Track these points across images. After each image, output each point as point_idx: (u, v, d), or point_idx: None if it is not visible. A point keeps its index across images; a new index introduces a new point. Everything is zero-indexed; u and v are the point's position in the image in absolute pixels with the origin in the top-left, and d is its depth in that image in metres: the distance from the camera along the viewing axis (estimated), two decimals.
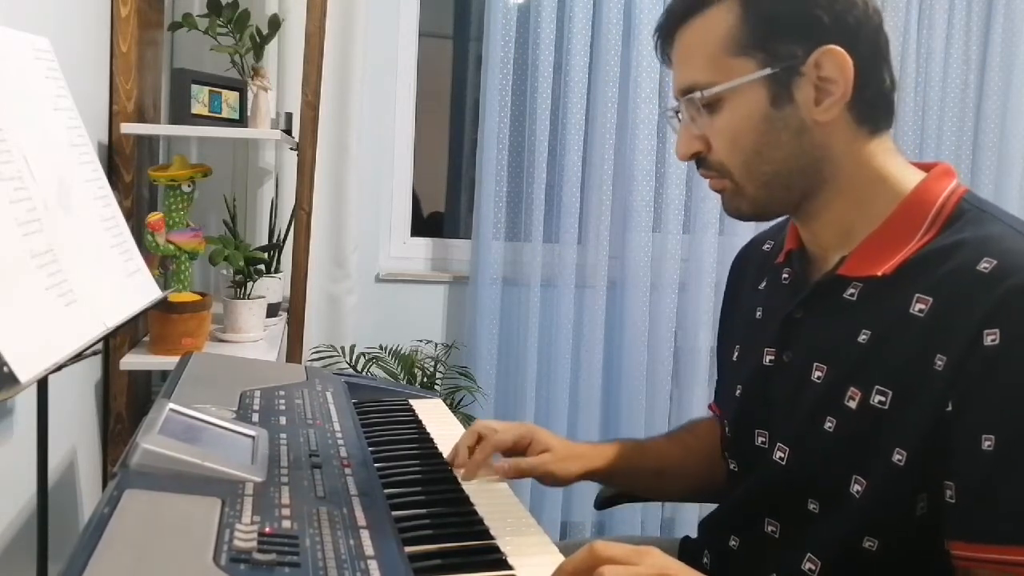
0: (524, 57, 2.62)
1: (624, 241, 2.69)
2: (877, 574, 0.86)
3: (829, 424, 0.89)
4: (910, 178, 0.92)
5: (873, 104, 0.92)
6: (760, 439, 0.99)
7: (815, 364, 0.92)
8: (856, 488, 0.86)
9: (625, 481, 1.25)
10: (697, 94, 0.90)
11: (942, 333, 0.81)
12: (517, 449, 1.14)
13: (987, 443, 0.77)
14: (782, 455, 0.95)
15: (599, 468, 1.16)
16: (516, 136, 2.65)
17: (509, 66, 2.60)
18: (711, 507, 1.11)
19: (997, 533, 0.76)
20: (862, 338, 0.88)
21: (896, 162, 0.94)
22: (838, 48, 0.87)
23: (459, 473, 1.05)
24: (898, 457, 0.83)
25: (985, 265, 0.80)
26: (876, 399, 0.85)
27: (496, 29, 2.57)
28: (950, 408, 0.79)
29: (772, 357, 0.98)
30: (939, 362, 0.81)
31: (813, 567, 0.90)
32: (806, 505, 0.92)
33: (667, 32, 0.96)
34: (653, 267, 2.71)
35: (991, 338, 0.77)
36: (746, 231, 2.68)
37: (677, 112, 0.97)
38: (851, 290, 0.91)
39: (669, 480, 1.23)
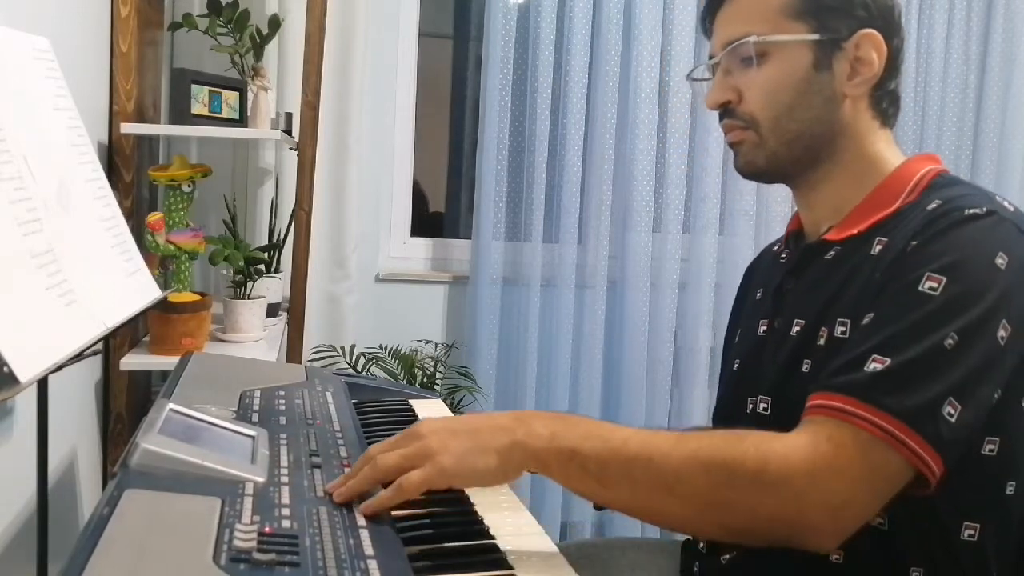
0: (524, 57, 2.62)
1: (624, 241, 2.69)
2: None
3: (806, 366, 0.95)
4: (898, 162, 1.02)
5: (887, 98, 1.01)
6: (750, 405, 1.03)
7: (795, 321, 0.98)
8: None
9: None
10: (752, 37, 0.97)
11: (885, 257, 0.91)
12: None
13: (866, 319, 0.86)
14: (765, 406, 1.00)
15: None
16: (516, 136, 2.65)
17: (509, 66, 2.60)
18: None
19: (826, 383, 0.84)
20: (833, 287, 0.95)
21: (892, 152, 1.03)
22: (877, 34, 0.97)
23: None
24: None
25: (932, 205, 0.91)
26: (838, 331, 0.92)
27: (496, 29, 2.57)
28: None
29: (765, 328, 1.05)
30: (877, 277, 0.90)
31: None
32: None
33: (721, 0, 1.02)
34: (653, 267, 2.71)
35: (912, 245, 0.88)
36: (746, 231, 2.69)
37: (712, 66, 1.04)
38: (831, 251, 0.99)
39: None
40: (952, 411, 0.81)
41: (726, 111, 1.02)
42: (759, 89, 0.99)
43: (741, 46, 0.98)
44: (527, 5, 2.62)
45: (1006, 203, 0.92)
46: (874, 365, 0.82)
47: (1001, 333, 0.83)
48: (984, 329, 0.82)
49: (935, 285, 0.83)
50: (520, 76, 2.63)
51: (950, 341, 0.82)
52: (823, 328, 0.94)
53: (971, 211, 0.87)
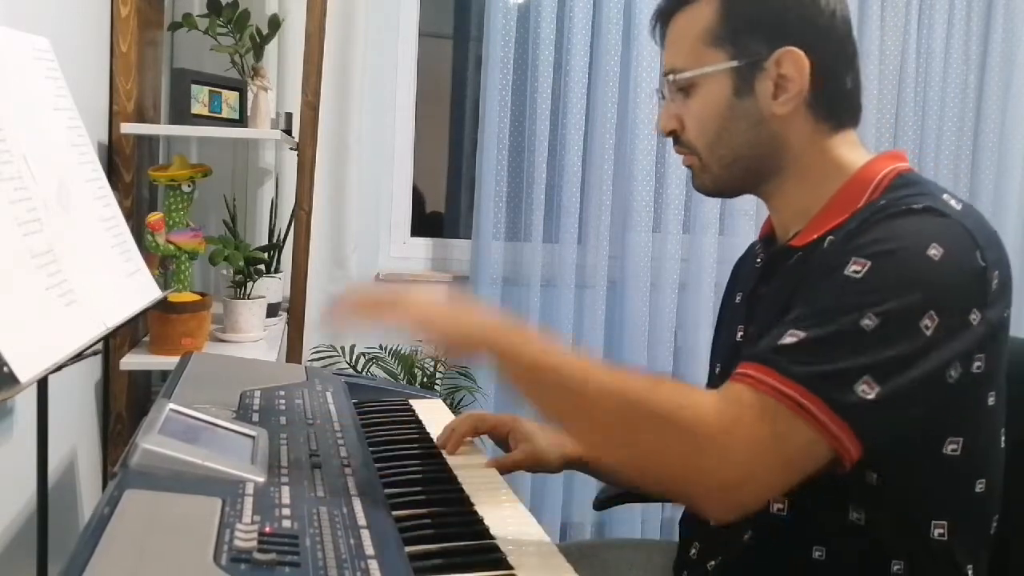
0: (524, 57, 2.62)
1: (624, 241, 2.69)
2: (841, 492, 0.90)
3: None
4: (861, 163, 1.00)
5: (834, 103, 0.99)
6: None
7: (765, 328, 0.97)
8: None
9: (611, 478, 1.33)
10: (671, 77, 1.01)
11: (831, 252, 0.90)
12: (497, 433, 1.23)
13: (795, 314, 0.86)
14: None
15: (582, 455, 1.22)
16: (516, 136, 2.65)
17: (509, 66, 2.60)
18: None
19: (747, 355, 0.85)
20: (790, 292, 0.95)
21: (855, 152, 1.01)
22: (797, 50, 0.95)
23: (444, 450, 1.14)
24: None
25: (882, 202, 0.91)
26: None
27: (496, 29, 2.57)
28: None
29: (741, 334, 1.06)
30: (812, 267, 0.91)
31: (781, 506, 0.93)
32: None
33: (663, 17, 1.04)
34: (653, 267, 2.71)
35: (852, 239, 0.88)
36: (746, 231, 2.69)
37: (662, 91, 1.06)
38: (794, 257, 0.99)
39: None
40: (867, 389, 0.79)
41: (674, 138, 1.04)
42: (691, 119, 1.01)
43: (672, 80, 1.00)
44: (527, 5, 2.61)
45: (953, 201, 0.90)
46: (788, 339, 0.83)
47: (926, 322, 0.81)
48: (907, 317, 0.81)
49: (859, 269, 0.83)
50: (520, 76, 2.63)
51: (867, 322, 0.81)
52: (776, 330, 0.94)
53: (909, 206, 0.87)
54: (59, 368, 0.92)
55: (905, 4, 2.74)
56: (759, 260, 1.11)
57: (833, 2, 0.97)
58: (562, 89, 2.61)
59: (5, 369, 0.79)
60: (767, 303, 1.02)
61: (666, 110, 1.04)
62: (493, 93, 2.57)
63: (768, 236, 1.10)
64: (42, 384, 1.19)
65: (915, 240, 0.84)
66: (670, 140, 1.05)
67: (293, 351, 2.08)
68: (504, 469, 1.13)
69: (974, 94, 2.83)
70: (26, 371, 0.82)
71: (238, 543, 0.66)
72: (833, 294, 0.84)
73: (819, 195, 0.98)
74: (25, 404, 1.33)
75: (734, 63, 0.96)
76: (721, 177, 1.02)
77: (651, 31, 1.07)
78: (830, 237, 0.93)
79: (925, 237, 0.84)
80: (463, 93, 2.91)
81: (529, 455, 1.18)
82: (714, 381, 1.13)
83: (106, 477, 1.87)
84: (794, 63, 0.95)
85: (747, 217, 2.72)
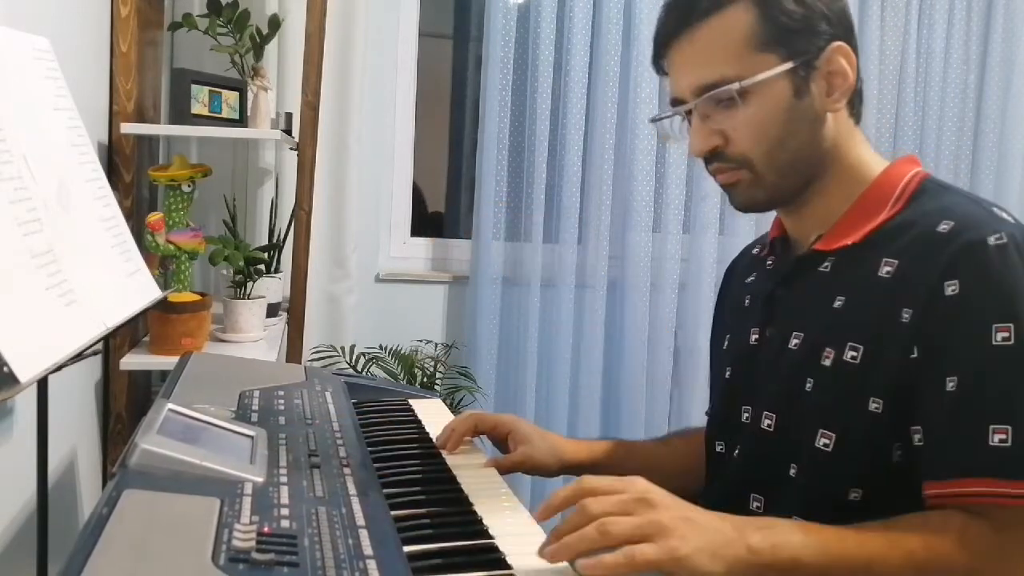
0: (524, 57, 2.62)
1: (624, 241, 2.69)
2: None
3: (808, 385, 0.94)
4: (879, 164, 1.01)
5: (857, 97, 1.01)
6: (745, 414, 1.04)
7: (793, 333, 0.98)
8: (834, 441, 0.91)
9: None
10: (735, 85, 0.94)
11: (907, 290, 0.88)
12: (497, 434, 1.20)
13: (950, 385, 0.84)
14: (769, 423, 0.99)
15: (581, 462, 1.20)
16: (516, 136, 2.65)
17: (509, 66, 2.60)
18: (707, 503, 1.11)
19: (960, 468, 0.83)
20: (836, 303, 0.94)
21: (869, 150, 1.02)
22: (845, 44, 0.96)
23: (442, 450, 1.13)
24: (875, 406, 0.89)
25: (943, 227, 0.89)
26: (849, 355, 0.91)
27: (496, 29, 2.57)
28: (915, 355, 0.87)
29: (756, 336, 1.05)
30: (905, 315, 0.88)
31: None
32: (788, 470, 0.96)
33: (674, 34, 0.98)
34: (653, 267, 2.71)
35: (951, 288, 0.85)
36: (746, 231, 2.69)
37: (686, 113, 1.00)
38: (826, 263, 0.98)
39: (652, 479, 1.26)
40: None
41: (713, 155, 0.99)
42: (746, 129, 0.96)
43: (720, 92, 0.95)
44: (527, 5, 2.61)
45: (1005, 214, 0.91)
46: (997, 437, 0.82)
47: None
48: None
49: (1007, 335, 0.83)
50: (520, 76, 2.63)
51: None
52: (828, 348, 0.93)
53: (993, 241, 0.86)
54: (59, 368, 0.92)
55: (905, 4, 2.74)
56: (769, 263, 1.09)
57: None
58: (562, 89, 2.61)
59: (5, 369, 0.79)
60: (791, 307, 1.01)
61: (701, 127, 0.98)
62: (493, 93, 2.57)
63: (781, 238, 1.09)
64: (42, 384, 1.19)
65: None
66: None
67: (293, 351, 2.08)
68: (503, 469, 1.12)
69: (974, 94, 2.83)
70: (26, 371, 0.82)
71: (236, 543, 0.66)
72: (1002, 371, 0.83)
73: (842, 200, 0.99)
74: (25, 404, 1.33)
75: (790, 64, 0.94)
76: (778, 185, 0.99)
77: (657, 57, 1.02)
78: (887, 259, 0.92)
79: None
80: (463, 93, 2.91)
81: (527, 457, 1.16)
82: (724, 386, 1.11)
83: (106, 477, 1.87)
84: (845, 57, 0.95)
85: (747, 217, 2.72)
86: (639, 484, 0.79)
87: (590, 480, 0.80)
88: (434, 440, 1.16)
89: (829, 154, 0.99)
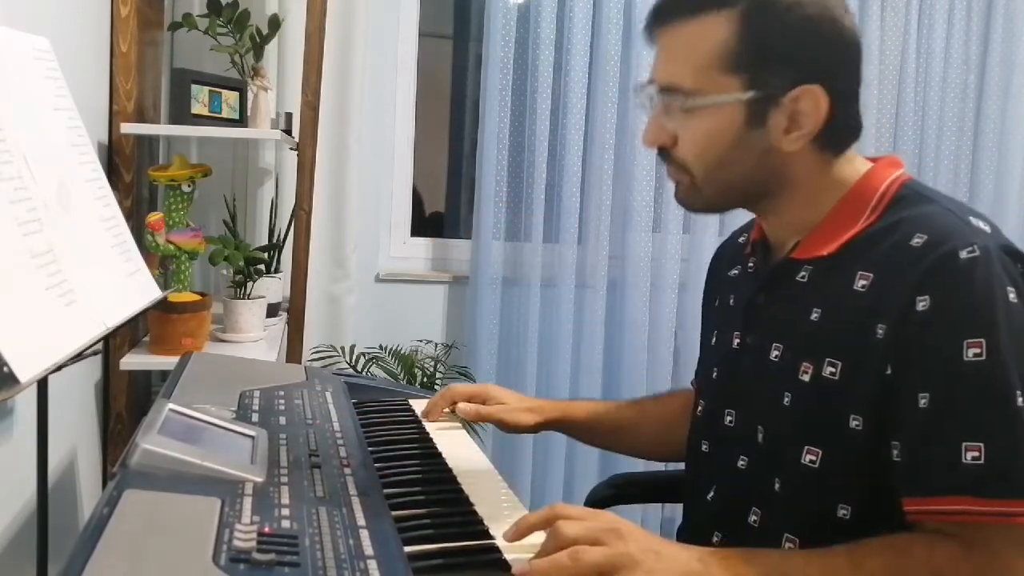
0: (524, 57, 2.62)
1: (624, 241, 2.69)
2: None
3: (787, 399, 0.94)
4: (860, 168, 0.98)
5: (840, 135, 0.96)
6: (728, 418, 1.05)
7: (773, 344, 0.98)
8: (820, 458, 0.91)
9: (582, 436, 1.37)
10: (679, 99, 0.93)
11: (881, 304, 0.88)
12: (475, 400, 1.30)
13: (923, 401, 0.83)
14: (761, 437, 0.98)
15: (555, 419, 1.30)
16: (516, 136, 2.65)
17: (509, 66, 2.60)
18: (695, 511, 1.13)
19: (935, 486, 0.83)
20: (813, 316, 0.94)
21: (852, 166, 0.99)
22: (819, 89, 0.91)
23: (425, 421, 1.24)
24: (855, 423, 0.89)
25: (917, 240, 0.88)
26: (827, 371, 0.91)
27: (496, 29, 2.57)
28: (889, 372, 0.86)
29: (738, 341, 1.05)
30: (879, 330, 0.87)
31: (792, 547, 0.93)
32: (773, 485, 0.95)
33: (664, 20, 0.98)
34: (653, 267, 2.71)
35: (922, 304, 0.84)
36: None
37: (649, 94, 0.99)
38: (803, 272, 0.97)
39: (623, 438, 1.35)
40: None
41: (661, 152, 0.99)
42: (690, 140, 0.95)
43: (673, 99, 0.94)
44: (527, 5, 2.61)
45: (982, 223, 0.90)
46: (971, 455, 0.81)
47: None
48: None
49: (978, 351, 0.82)
50: (520, 76, 2.63)
51: (1021, 398, 0.81)
52: (806, 363, 0.92)
53: (965, 255, 0.84)
54: (59, 368, 0.92)
55: (905, 4, 2.74)
56: (751, 265, 1.09)
57: (854, 33, 0.94)
58: (562, 89, 2.61)
59: (5, 369, 0.79)
60: (771, 316, 1.00)
61: (655, 122, 0.98)
62: (493, 93, 2.57)
63: (760, 241, 1.08)
64: (42, 384, 1.19)
65: (998, 294, 0.83)
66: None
67: (293, 351, 2.08)
68: (470, 419, 1.24)
69: (974, 95, 2.83)
70: (26, 371, 0.82)
71: (237, 543, 0.66)
72: (973, 387, 0.82)
73: (817, 209, 0.97)
74: (25, 404, 1.33)
75: (751, 94, 0.91)
76: (713, 200, 1.00)
77: (645, 28, 1.00)
78: (861, 271, 0.90)
79: (1001, 286, 0.84)
80: (463, 93, 2.91)
81: (501, 412, 1.26)
82: (710, 385, 1.12)
83: (106, 477, 1.87)
84: (813, 102, 0.91)
85: (747, 217, 2.71)
86: (608, 515, 0.82)
87: (563, 506, 0.82)
88: (434, 441, 1.16)
89: (784, 179, 0.96)
